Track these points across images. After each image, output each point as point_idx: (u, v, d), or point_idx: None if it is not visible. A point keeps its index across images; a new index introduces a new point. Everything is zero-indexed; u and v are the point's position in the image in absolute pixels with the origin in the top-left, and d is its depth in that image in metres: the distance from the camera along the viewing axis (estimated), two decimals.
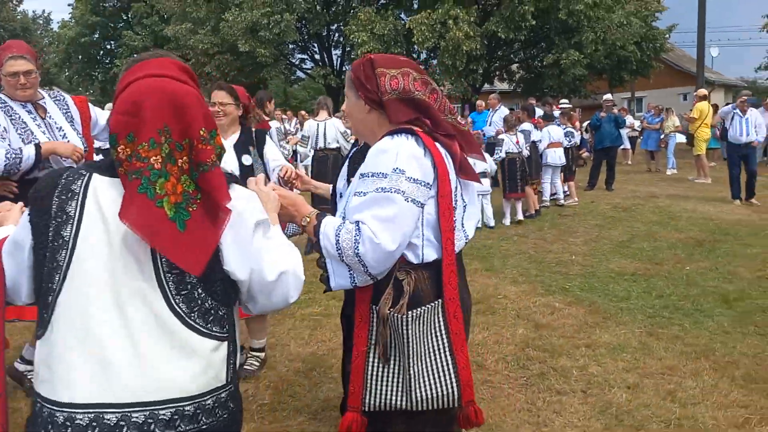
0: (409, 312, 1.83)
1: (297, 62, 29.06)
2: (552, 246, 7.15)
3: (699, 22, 19.61)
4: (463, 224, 2.05)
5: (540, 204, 9.57)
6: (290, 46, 28.09)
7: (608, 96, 11.79)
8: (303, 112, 17.75)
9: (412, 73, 1.99)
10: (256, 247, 1.45)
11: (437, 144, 1.95)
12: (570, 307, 4.86)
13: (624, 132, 17.35)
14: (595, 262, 6.32)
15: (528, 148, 9.04)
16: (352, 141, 7.30)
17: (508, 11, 18.44)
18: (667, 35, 23.87)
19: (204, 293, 1.39)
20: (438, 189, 1.87)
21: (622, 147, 17.54)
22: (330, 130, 7.33)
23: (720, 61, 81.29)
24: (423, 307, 1.85)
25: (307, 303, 4.93)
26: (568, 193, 10.41)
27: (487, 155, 8.79)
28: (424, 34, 18.95)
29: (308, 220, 1.89)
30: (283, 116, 16.98)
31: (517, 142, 8.83)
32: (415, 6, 22.40)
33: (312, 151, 7.44)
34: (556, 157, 9.83)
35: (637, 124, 19.02)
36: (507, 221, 8.71)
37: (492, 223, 8.38)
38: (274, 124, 6.85)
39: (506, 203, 8.83)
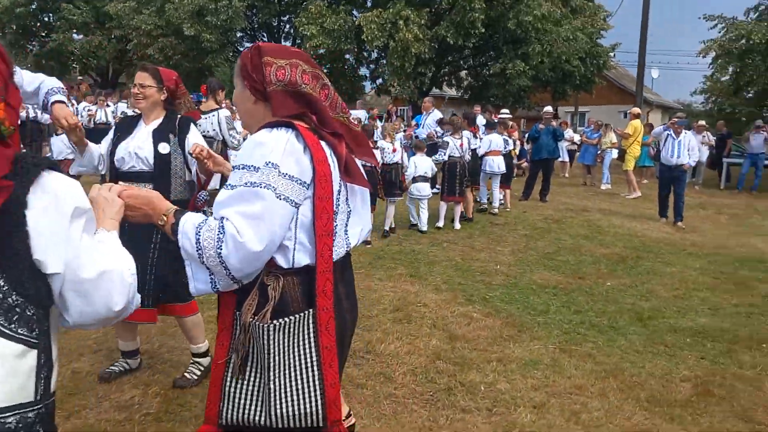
0: (274, 321, 1.66)
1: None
2: (479, 254, 7.10)
3: (641, 43, 20.22)
4: (346, 231, 1.89)
5: (475, 210, 9.71)
6: (238, 34, 27.46)
7: (548, 108, 11.92)
8: None
9: (302, 65, 1.84)
10: (74, 237, 1.24)
11: (322, 142, 1.78)
12: (488, 318, 4.78)
13: (562, 145, 17.70)
14: (519, 273, 6.29)
15: (470, 154, 9.08)
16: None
17: (459, 17, 18.50)
18: (611, 53, 24.55)
19: (6, 285, 1.16)
20: (315, 190, 1.70)
21: (560, 159, 17.93)
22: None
23: (660, 83, 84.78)
24: (290, 317, 1.68)
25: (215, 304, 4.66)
26: (503, 201, 10.52)
27: (426, 157, 8.77)
28: (374, 33, 18.79)
29: (165, 218, 1.67)
30: (233, 106, 16.46)
31: (461, 146, 8.83)
32: (369, 4, 22.24)
33: None
34: (495, 165, 9.94)
35: (576, 137, 19.45)
36: (441, 223, 8.68)
37: (425, 227, 8.33)
38: (224, 113, 6.53)
39: (443, 206, 8.82)
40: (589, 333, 4.54)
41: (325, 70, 20.04)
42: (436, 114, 12.23)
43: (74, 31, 28.01)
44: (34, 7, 29.90)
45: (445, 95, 40.30)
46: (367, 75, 26.48)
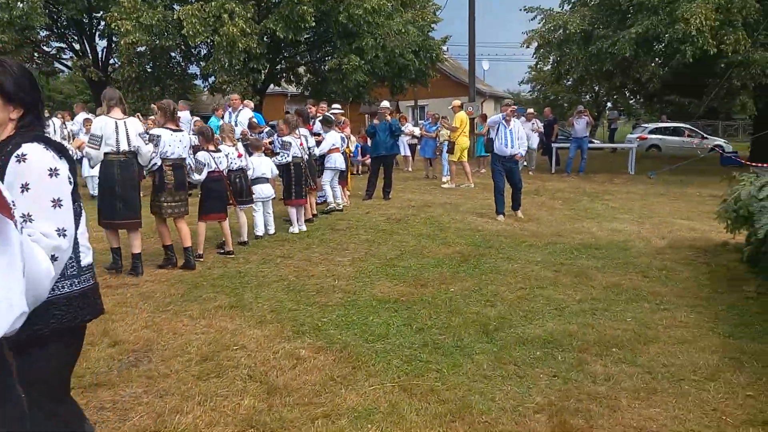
0: None
1: (54, 51, 25.25)
2: (316, 268, 6.36)
3: (470, 35, 20.72)
4: None
5: (327, 209, 9.68)
6: (42, 33, 24.28)
7: (384, 103, 11.51)
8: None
9: None
10: None
11: None
12: (318, 354, 4.03)
13: (404, 139, 17.59)
14: (359, 287, 5.63)
15: (308, 152, 8.56)
16: (150, 145, 5.96)
17: (287, 10, 17.62)
18: (443, 46, 25.05)
19: None
20: None
21: (402, 154, 17.80)
22: (132, 129, 5.93)
23: (491, 74, 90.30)
24: None
25: None
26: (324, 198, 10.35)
27: (266, 157, 8.04)
28: (196, 28, 17.33)
29: None
30: (65, 115, 14.21)
31: (302, 145, 8.28)
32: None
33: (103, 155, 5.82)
34: (337, 161, 9.71)
35: (417, 131, 19.50)
36: (296, 229, 8.20)
37: (262, 232, 7.86)
38: (56, 122, 5.15)
39: (293, 210, 8.27)
40: (432, 358, 3.96)
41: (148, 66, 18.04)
42: (247, 112, 11.50)
43: None
44: None
45: (286, 92, 39.30)
46: (198, 73, 24.66)
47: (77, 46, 24.70)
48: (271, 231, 7.97)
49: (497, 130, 8.85)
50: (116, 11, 18.56)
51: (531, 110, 18.10)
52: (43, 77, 28.05)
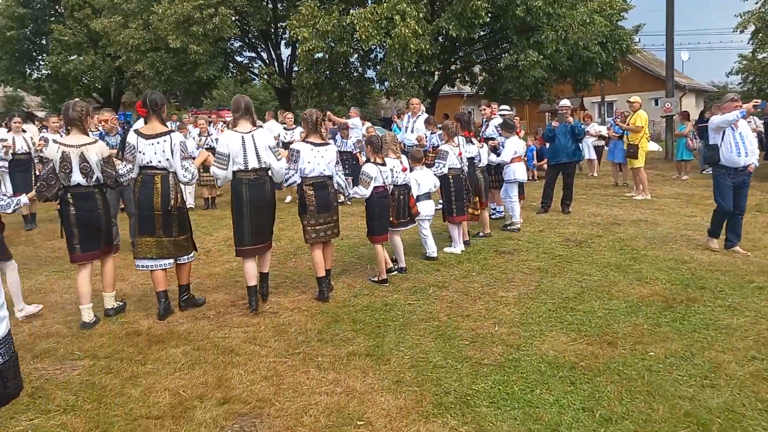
0: None
1: (247, 61, 26.99)
2: (474, 305, 5.32)
3: (667, 22, 18.10)
4: None
5: (508, 225, 8.66)
6: (236, 44, 26.07)
7: (564, 102, 10.03)
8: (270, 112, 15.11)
9: None
10: None
11: None
12: None
13: (589, 140, 15.73)
14: (524, 339, 4.50)
15: (466, 163, 7.52)
16: (282, 159, 5.36)
17: (460, 7, 16.68)
18: (635, 36, 22.40)
19: None
20: None
21: (588, 158, 15.95)
22: (261, 143, 5.25)
23: (690, 65, 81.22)
24: None
25: None
26: (502, 214, 9.47)
27: (428, 170, 7.18)
28: (368, 31, 17.11)
29: None
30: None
31: (460, 155, 7.32)
32: (370, 2, 20.50)
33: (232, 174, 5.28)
34: (521, 172, 8.64)
35: (603, 131, 17.43)
36: (457, 249, 7.38)
37: (435, 253, 7.09)
38: (178, 137, 4.96)
39: (454, 228, 7.40)
40: None
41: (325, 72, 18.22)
42: (425, 117, 10.59)
43: (67, 52, 26.91)
44: (30, 30, 29.06)
45: (462, 93, 38.53)
46: (374, 78, 24.71)
47: (265, 55, 26.13)
48: (434, 254, 7.10)
49: (723, 134, 6.88)
50: (295, 19, 19.08)
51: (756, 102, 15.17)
52: (238, 85, 30.30)
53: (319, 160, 5.46)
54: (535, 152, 14.77)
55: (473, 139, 7.86)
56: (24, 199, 5.02)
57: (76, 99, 5.12)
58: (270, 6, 24.15)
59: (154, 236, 5.01)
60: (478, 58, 24.12)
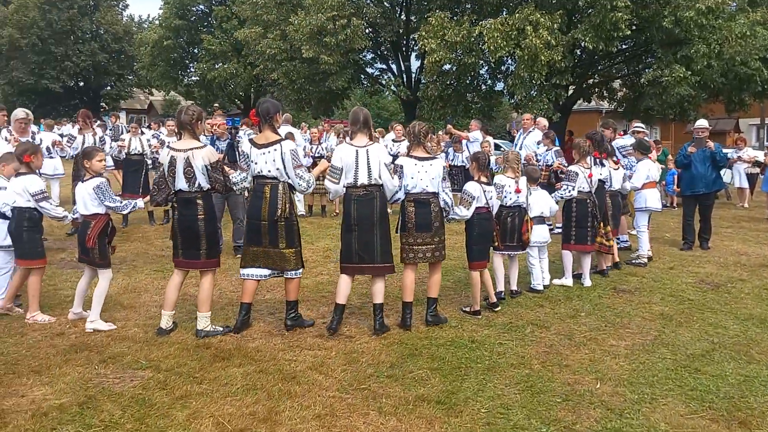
0: None
1: (378, 73, 27.28)
2: (576, 353, 4.60)
3: None
4: None
5: (634, 260, 7.70)
6: (368, 56, 26.45)
7: (701, 123, 8.74)
8: (381, 129, 14.91)
9: None
10: None
11: None
12: None
13: (741, 168, 13.96)
14: (630, 404, 3.73)
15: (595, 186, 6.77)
16: (396, 176, 5.08)
17: (599, 18, 15.53)
18: None
19: None
20: None
21: (737, 186, 14.15)
22: (375, 158, 4.91)
23: None
24: None
25: None
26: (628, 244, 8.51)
27: (544, 192, 6.63)
28: (497, 42, 16.47)
29: None
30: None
31: (590, 177, 6.59)
32: (504, 12, 19.81)
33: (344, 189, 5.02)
34: (653, 200, 7.78)
35: (760, 156, 15.41)
36: (568, 280, 6.61)
37: (541, 285, 6.40)
38: (288, 145, 4.82)
39: (567, 256, 6.66)
40: None
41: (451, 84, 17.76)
42: (536, 134, 9.82)
43: (213, 60, 28.84)
44: (184, 40, 31.57)
45: (600, 109, 36.32)
46: (504, 90, 23.88)
47: (395, 67, 26.26)
48: (540, 286, 6.41)
49: None
50: (424, 30, 18.89)
51: None
52: (368, 96, 30.83)
53: (423, 175, 5.06)
54: (675, 177, 13.29)
55: (605, 161, 7.06)
56: (140, 202, 5.24)
57: (191, 103, 5.08)
58: (403, 18, 24.26)
59: (261, 246, 4.85)
60: (618, 72, 22.52)
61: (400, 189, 5.06)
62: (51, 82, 38.16)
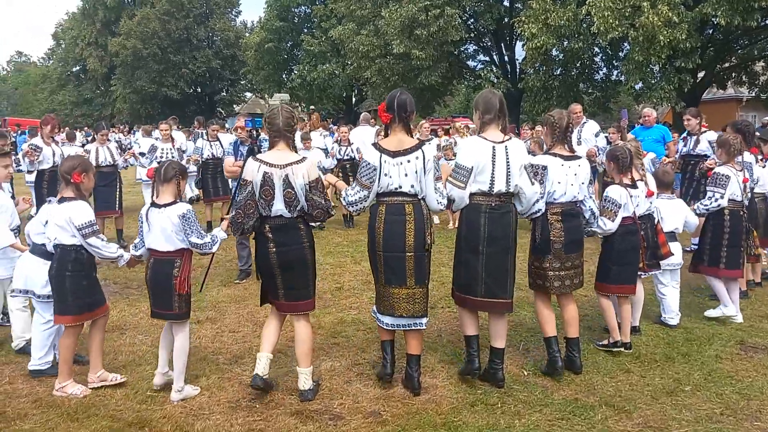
0: None
1: (480, 65, 25.57)
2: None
3: None
4: None
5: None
6: (470, 48, 24.83)
7: None
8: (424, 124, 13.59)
9: None
10: None
11: None
12: None
13: None
14: None
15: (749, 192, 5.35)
16: (536, 183, 4.01)
17: None
18: None
19: None
20: None
21: None
22: (516, 158, 3.89)
23: None
24: None
25: None
26: None
27: (679, 201, 5.33)
28: (608, 21, 14.30)
29: None
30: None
31: (744, 182, 5.11)
32: None
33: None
34: None
35: None
36: (730, 309, 5.04)
37: (676, 319, 4.98)
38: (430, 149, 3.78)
39: (719, 286, 5.09)
40: None
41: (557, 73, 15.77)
42: (592, 126, 8.49)
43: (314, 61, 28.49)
44: (289, 42, 31.60)
45: (740, 96, 31.97)
46: (622, 78, 21.30)
47: (498, 59, 24.42)
48: (674, 320, 4.96)
49: None
50: (524, 15, 17.07)
51: None
52: (471, 91, 29.15)
53: (572, 179, 4.02)
54: None
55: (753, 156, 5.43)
56: (221, 234, 3.91)
57: (284, 103, 3.86)
58: (506, 3, 22.39)
59: (405, 287, 3.71)
60: (761, 52, 19.23)
61: (542, 198, 3.94)
62: (170, 90, 40.04)
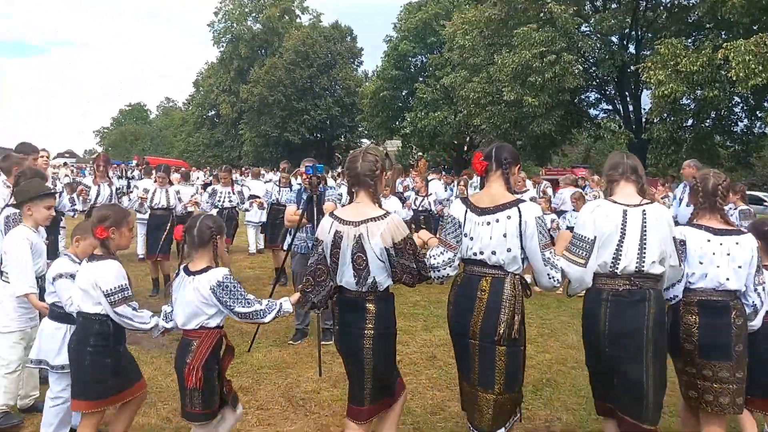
0: None
1: (603, 114, 24.01)
2: None
3: None
4: None
5: None
6: (591, 96, 23.44)
7: None
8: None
9: None
10: None
11: None
12: None
13: None
14: None
15: None
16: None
17: None
18: None
19: None
20: None
21: None
22: (655, 229, 3.13)
23: None
24: None
25: None
26: None
27: None
28: (749, 67, 12.61)
29: None
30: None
31: None
32: (757, 30, 15.60)
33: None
34: None
35: None
36: None
37: None
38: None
39: None
40: None
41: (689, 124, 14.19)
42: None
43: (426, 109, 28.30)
44: (404, 92, 31.82)
45: None
46: (766, 130, 18.93)
47: (620, 107, 22.78)
48: None
49: None
50: (651, 60, 15.66)
51: None
52: (591, 142, 27.50)
53: (721, 260, 3.08)
54: None
55: None
56: (287, 305, 3.11)
57: (369, 144, 3.09)
58: (630, 50, 20.90)
59: (468, 382, 2.99)
60: None
61: (678, 283, 3.11)
62: (291, 135, 41.74)
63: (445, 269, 3.00)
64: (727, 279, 3.04)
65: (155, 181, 7.63)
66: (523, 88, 18.17)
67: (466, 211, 2.99)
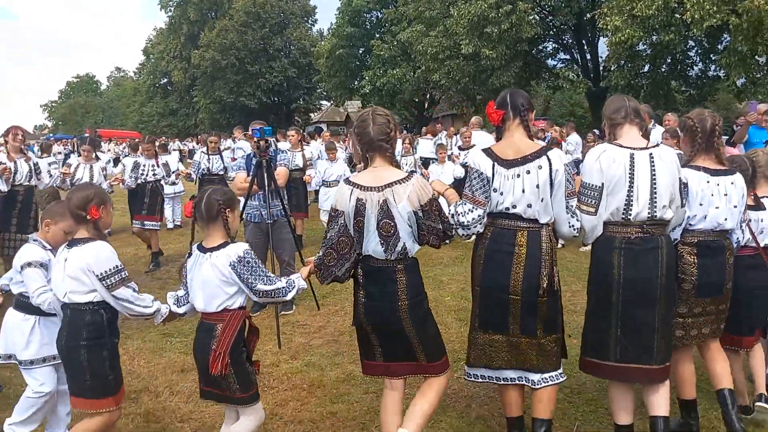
0: None
1: (561, 64, 23.87)
2: None
3: None
4: None
5: None
6: (549, 46, 23.24)
7: None
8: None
9: None
10: None
11: None
12: None
13: None
14: None
15: None
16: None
17: None
18: None
19: None
20: None
21: None
22: (665, 172, 3.09)
23: None
24: None
25: None
26: None
27: None
28: (704, 8, 12.52)
29: None
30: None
31: None
32: None
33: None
34: None
35: None
36: None
37: None
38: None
39: None
40: None
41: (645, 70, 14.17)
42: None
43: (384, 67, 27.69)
44: (361, 49, 31.04)
45: None
46: (720, 73, 19.03)
47: (578, 56, 22.67)
48: None
49: None
50: (607, 6, 15.49)
51: None
52: (550, 93, 27.43)
53: (719, 201, 3.11)
54: None
55: None
56: (300, 281, 2.86)
57: (376, 107, 2.82)
58: None
59: (505, 333, 2.91)
60: None
61: (679, 225, 3.13)
62: (247, 99, 40.57)
63: (475, 227, 2.89)
64: (725, 219, 3.08)
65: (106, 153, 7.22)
66: (480, 40, 17.83)
67: (494, 165, 2.83)
